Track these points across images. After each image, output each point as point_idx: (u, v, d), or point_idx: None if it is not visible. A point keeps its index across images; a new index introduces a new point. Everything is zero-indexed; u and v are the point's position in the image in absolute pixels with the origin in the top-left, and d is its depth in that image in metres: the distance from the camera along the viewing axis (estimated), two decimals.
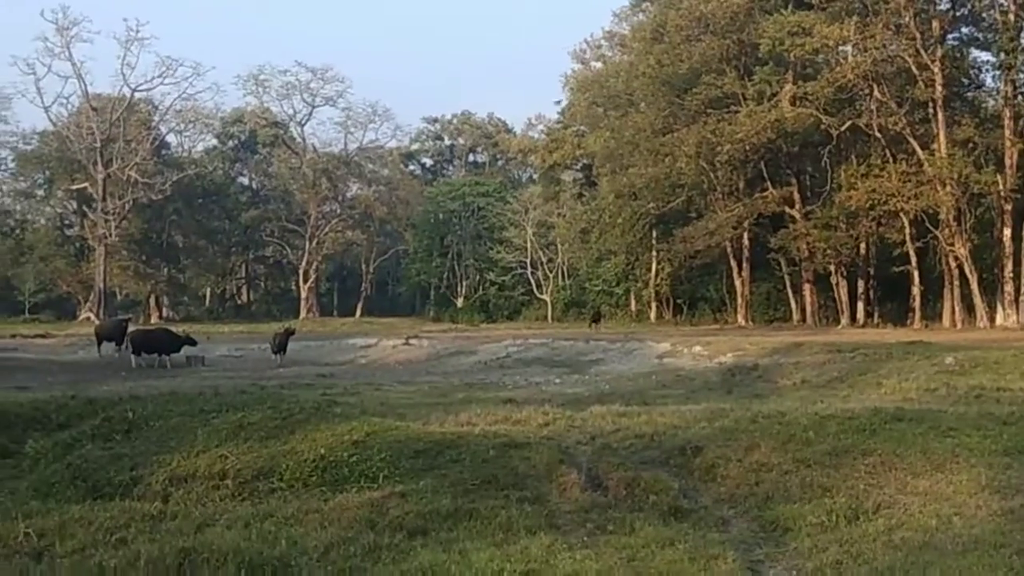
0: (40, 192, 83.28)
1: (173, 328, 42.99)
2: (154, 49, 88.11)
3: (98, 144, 71.56)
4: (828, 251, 53.03)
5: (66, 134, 73.76)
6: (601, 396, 20.83)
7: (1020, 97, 49.20)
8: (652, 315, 68.95)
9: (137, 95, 75.11)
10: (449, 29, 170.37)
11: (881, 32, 47.39)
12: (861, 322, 53.49)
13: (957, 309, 48.79)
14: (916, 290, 51.52)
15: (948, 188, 46.64)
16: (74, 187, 76.96)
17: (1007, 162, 47.67)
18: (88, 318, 67.50)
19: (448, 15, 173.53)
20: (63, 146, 74.56)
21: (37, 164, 79.04)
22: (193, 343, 36.44)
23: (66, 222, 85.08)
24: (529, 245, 78.23)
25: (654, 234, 66.85)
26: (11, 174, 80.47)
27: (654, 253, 67.77)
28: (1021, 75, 48.84)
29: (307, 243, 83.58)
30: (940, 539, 8.95)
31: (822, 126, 50.71)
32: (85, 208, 77.82)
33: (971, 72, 54.31)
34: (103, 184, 71.70)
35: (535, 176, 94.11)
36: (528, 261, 78.74)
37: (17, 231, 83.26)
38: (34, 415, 15.14)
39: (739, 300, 61.81)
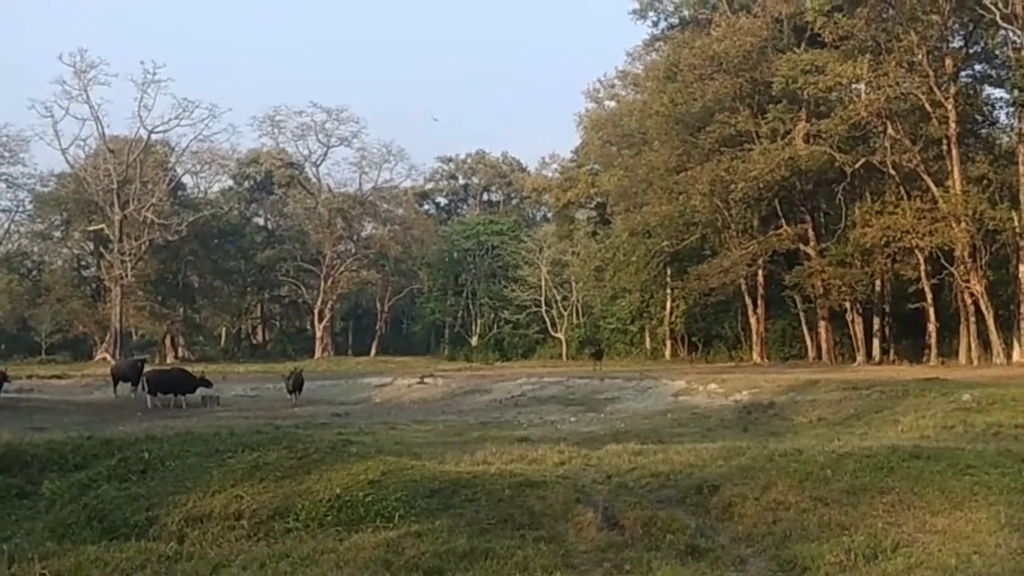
0: (57, 234, 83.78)
1: (188, 368, 43.06)
2: (171, 91, 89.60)
3: (115, 185, 72.21)
4: (843, 288, 52.75)
5: (83, 176, 74.37)
6: (617, 434, 20.72)
7: None
8: (667, 353, 68.82)
9: (154, 137, 76.16)
10: (461, 68, 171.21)
11: (894, 70, 47.54)
12: (877, 359, 53.22)
13: (973, 346, 48.46)
14: (932, 327, 51.10)
15: (963, 225, 46.58)
16: (91, 228, 77.56)
17: (1022, 198, 47.56)
18: (104, 358, 67.77)
19: (460, 55, 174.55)
20: (80, 188, 75.14)
21: (54, 206, 79.48)
22: (208, 384, 36.54)
23: (83, 263, 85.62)
24: (543, 283, 78.25)
25: (668, 272, 66.91)
26: (28, 216, 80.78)
27: (668, 291, 67.81)
28: None
29: (322, 282, 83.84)
30: None
31: (836, 163, 50.80)
32: (102, 249, 78.38)
33: (985, 109, 54.46)
34: (120, 225, 72.21)
35: (549, 215, 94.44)
36: (542, 299, 78.71)
37: (34, 272, 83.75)
38: (50, 456, 15.12)
39: (754, 337, 61.62)
